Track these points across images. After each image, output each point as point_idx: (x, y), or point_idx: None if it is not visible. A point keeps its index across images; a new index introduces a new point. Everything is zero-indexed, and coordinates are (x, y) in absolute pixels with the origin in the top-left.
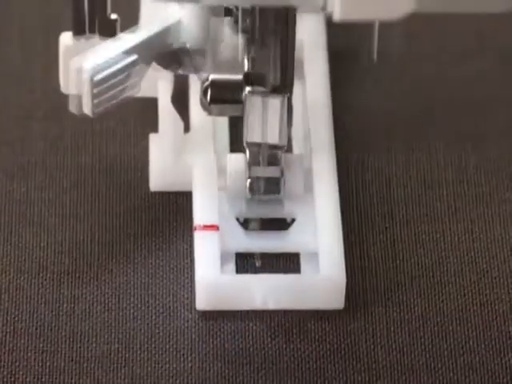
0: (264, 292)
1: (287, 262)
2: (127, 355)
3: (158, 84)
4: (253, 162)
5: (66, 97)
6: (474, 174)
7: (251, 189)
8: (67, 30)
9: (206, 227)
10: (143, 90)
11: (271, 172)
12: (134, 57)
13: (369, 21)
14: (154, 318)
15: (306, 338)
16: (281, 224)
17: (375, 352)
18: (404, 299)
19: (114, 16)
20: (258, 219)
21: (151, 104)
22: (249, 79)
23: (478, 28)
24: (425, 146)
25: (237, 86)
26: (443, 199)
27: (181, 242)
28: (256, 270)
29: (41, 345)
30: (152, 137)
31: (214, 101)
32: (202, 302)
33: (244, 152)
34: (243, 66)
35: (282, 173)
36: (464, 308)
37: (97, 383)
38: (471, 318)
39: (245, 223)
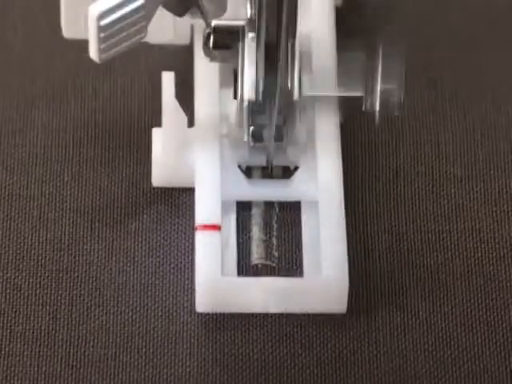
0: (265, 295)
1: (289, 264)
2: (125, 359)
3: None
4: (256, 110)
5: (67, 85)
6: (483, 169)
7: (254, 136)
8: None
9: (207, 227)
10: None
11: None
12: (140, 1)
13: None
14: (152, 321)
15: (307, 343)
16: (284, 172)
17: (377, 358)
18: (408, 303)
19: None
20: (260, 167)
21: (155, 97)
22: (252, 25)
23: (490, 15)
24: (433, 140)
25: (239, 32)
26: (451, 196)
27: (182, 240)
28: (257, 273)
29: (37, 349)
30: (155, 131)
31: (216, 46)
32: (202, 305)
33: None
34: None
35: (285, 120)
36: (469, 313)
37: None
38: (476, 324)
39: (247, 171)
